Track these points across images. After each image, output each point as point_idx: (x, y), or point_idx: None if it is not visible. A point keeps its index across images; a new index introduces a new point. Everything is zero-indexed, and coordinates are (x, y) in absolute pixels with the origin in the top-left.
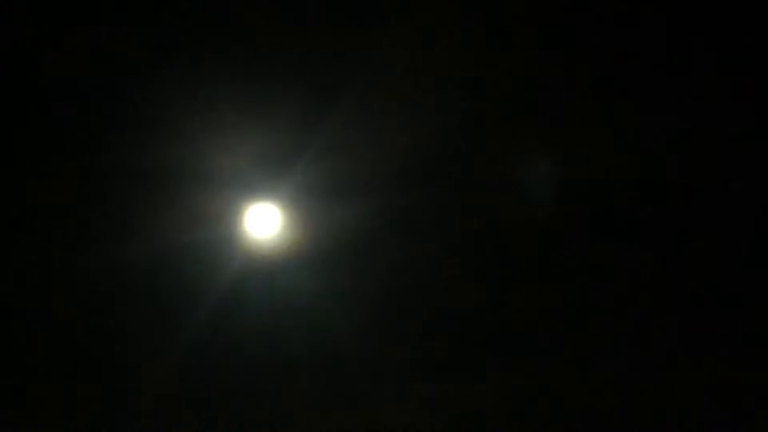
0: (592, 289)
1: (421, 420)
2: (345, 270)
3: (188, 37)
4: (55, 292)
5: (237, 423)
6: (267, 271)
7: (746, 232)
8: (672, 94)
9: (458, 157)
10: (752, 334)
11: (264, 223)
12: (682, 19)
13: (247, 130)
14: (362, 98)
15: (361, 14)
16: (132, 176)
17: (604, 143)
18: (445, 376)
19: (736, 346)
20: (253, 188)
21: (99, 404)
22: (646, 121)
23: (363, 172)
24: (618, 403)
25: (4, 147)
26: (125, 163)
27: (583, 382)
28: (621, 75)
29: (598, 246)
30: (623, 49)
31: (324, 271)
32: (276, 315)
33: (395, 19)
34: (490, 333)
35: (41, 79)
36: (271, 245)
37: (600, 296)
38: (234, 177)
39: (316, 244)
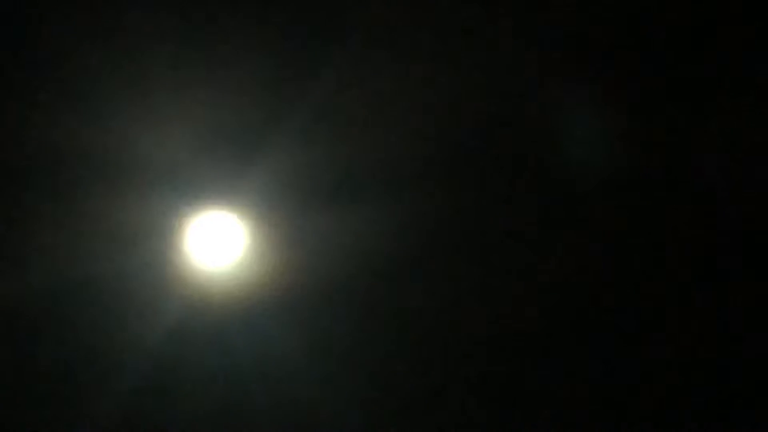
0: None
1: None
2: (332, 315)
3: None
4: None
5: None
6: (219, 316)
7: None
8: None
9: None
10: None
11: (215, 242)
12: None
13: (194, 107)
14: (357, 64)
15: None
16: (21, 173)
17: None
18: None
19: None
20: (201, 191)
21: None
22: None
23: (360, 168)
24: None
25: None
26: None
27: None
28: None
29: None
30: None
31: (302, 317)
32: (231, 383)
33: None
34: None
35: None
36: (225, 276)
37: None
38: (172, 174)
39: (290, 274)
